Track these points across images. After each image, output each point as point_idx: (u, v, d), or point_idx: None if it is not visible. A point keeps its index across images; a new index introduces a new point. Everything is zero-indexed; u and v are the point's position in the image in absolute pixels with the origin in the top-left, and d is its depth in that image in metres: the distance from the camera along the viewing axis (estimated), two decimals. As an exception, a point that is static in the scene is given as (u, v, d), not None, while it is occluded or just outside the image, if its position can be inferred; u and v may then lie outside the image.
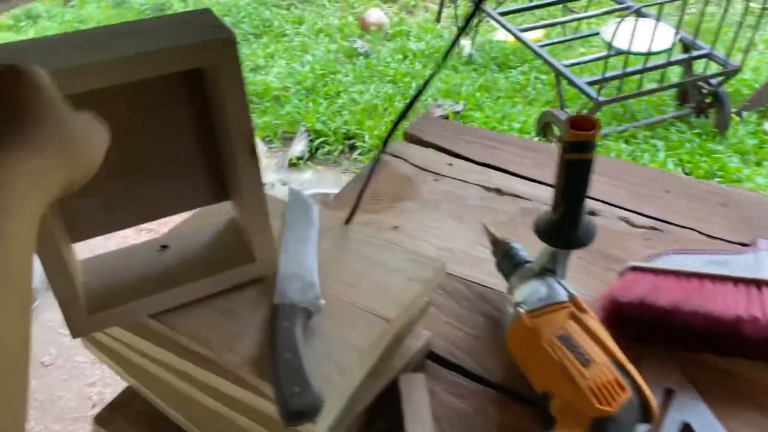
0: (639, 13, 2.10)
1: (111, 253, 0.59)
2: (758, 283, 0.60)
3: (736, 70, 2.26)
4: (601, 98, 2.10)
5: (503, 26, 2.56)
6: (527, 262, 0.64)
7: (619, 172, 0.85)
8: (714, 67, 2.31)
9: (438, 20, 3.57)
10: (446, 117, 2.57)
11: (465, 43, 3.15)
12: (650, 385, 0.53)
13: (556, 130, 2.30)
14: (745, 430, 0.55)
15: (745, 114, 2.44)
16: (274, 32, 3.59)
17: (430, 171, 0.86)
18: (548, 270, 0.62)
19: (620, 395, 0.50)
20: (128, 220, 0.57)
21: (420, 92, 0.58)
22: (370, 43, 3.34)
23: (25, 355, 0.27)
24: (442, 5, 3.53)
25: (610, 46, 2.10)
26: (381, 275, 0.58)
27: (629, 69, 2.11)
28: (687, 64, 2.34)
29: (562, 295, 0.58)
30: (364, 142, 2.56)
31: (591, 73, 2.64)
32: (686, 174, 2.19)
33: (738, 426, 0.55)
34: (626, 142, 2.35)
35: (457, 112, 2.62)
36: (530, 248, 0.65)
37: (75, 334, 0.52)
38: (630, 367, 0.53)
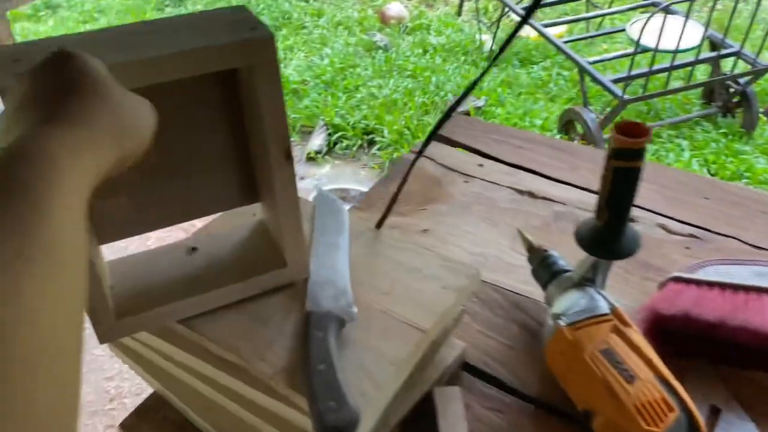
0: (667, 10, 2.06)
1: (139, 255, 0.57)
2: (809, 298, 0.58)
3: (766, 70, 2.21)
4: (626, 96, 2.06)
5: (512, 9, 2.52)
6: (566, 270, 0.62)
7: (654, 175, 0.83)
8: (742, 66, 2.26)
9: (459, 14, 3.53)
10: (467, 113, 2.54)
11: (486, 38, 3.12)
12: (695, 402, 0.51)
13: (579, 128, 2.26)
14: (795, 452, 0.53)
15: (773, 114, 2.40)
16: (293, 25, 3.57)
17: (459, 172, 0.84)
18: (588, 280, 0.59)
19: (667, 415, 0.48)
20: (157, 222, 0.55)
21: (467, 92, 0.56)
22: (389, 36, 3.31)
23: (78, 341, 0.25)
24: (463, -1, 3.49)
25: (637, 43, 2.06)
26: (415, 282, 0.56)
27: (656, 67, 2.06)
28: (715, 62, 2.29)
29: (604, 307, 0.56)
30: (383, 137, 2.54)
31: (614, 71, 2.61)
32: (711, 175, 2.15)
33: (788, 448, 0.53)
34: (649, 141, 2.31)
35: (479, 108, 2.59)
36: (564, 255, 0.63)
37: (102, 339, 0.51)
38: (676, 384, 0.51)
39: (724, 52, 2.21)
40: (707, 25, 2.14)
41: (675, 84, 2.26)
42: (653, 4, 2.46)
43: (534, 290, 0.65)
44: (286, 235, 0.54)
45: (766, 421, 0.54)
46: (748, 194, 0.81)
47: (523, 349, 0.61)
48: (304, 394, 0.46)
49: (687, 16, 2.00)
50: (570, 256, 0.63)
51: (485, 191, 0.80)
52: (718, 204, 0.78)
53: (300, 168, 2.52)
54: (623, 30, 2.48)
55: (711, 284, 0.61)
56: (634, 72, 2.07)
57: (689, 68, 2.17)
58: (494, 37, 3.05)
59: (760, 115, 2.32)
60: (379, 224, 0.64)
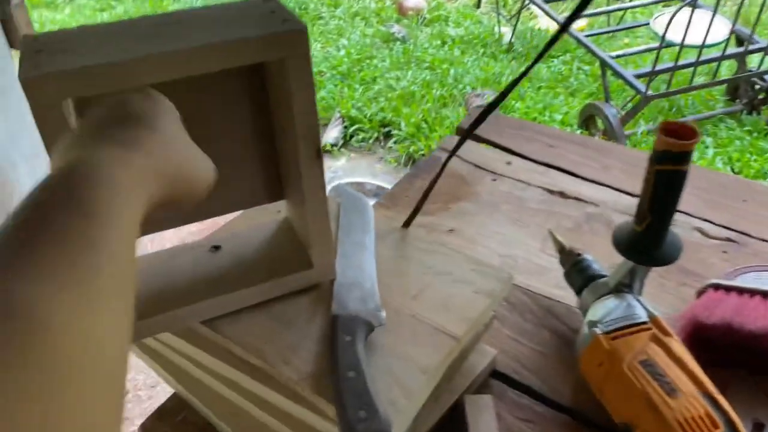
0: (693, 4, 2.01)
1: (160, 253, 0.56)
2: None
3: (794, 66, 2.16)
4: (650, 92, 2.02)
5: (547, 14, 2.48)
6: (600, 275, 0.59)
7: (690, 176, 0.79)
8: (769, 62, 2.21)
9: (478, 5, 3.49)
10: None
11: (505, 30, 3.08)
12: (739, 417, 0.48)
13: (600, 123, 2.22)
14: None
15: (799, 112, 2.34)
16: (310, 15, 3.54)
17: (487, 170, 0.81)
18: (625, 286, 0.57)
19: (712, 431, 0.46)
20: (178, 219, 0.53)
21: (506, 93, 0.53)
22: (407, 27, 3.28)
23: (124, 360, 0.26)
24: (482, -10, 3.45)
25: (662, 37, 2.01)
26: (445, 286, 0.54)
27: (681, 62, 2.02)
28: (741, 58, 2.24)
29: (642, 315, 0.54)
30: (400, 129, 2.51)
31: (635, 66, 2.56)
32: (735, 173, 2.10)
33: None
34: (672, 137, 2.27)
35: (497, 102, 2.56)
36: (596, 259, 0.61)
37: (124, 340, 0.49)
38: (721, 398, 0.48)
39: (751, 47, 2.16)
40: (735, 20, 2.09)
41: (699, 80, 2.21)
42: (678, -2, 2.41)
43: (566, 294, 0.63)
44: (313, 235, 0.52)
45: (812, 438, 0.52)
46: (787, 197, 0.78)
47: (556, 356, 0.59)
48: (332, 401, 0.44)
49: (715, 11, 1.95)
50: (603, 259, 0.61)
51: (514, 190, 0.78)
52: (756, 207, 0.75)
53: (316, 160, 2.50)
54: (646, 24, 2.44)
55: (753, 292, 0.59)
56: (658, 67, 2.03)
57: (714, 64, 2.12)
58: (514, 30, 3.01)
59: (787, 113, 2.28)
60: (407, 223, 0.61)
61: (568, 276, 0.61)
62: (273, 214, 0.62)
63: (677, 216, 0.74)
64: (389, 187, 2.06)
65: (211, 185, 0.40)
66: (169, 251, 0.56)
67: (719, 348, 0.56)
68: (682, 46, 1.98)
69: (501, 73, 2.76)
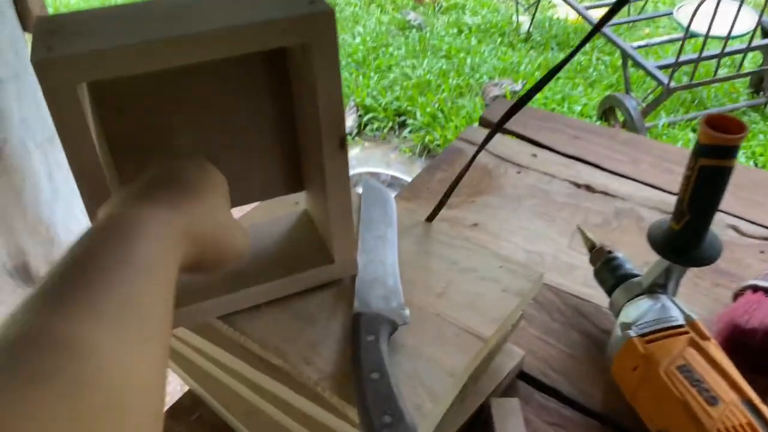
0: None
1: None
2: None
3: (821, 59, 2.10)
4: (672, 84, 1.97)
5: (569, 3, 2.43)
6: (633, 275, 0.57)
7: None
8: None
9: (495, -6, 3.43)
10: (504, 96, 2.47)
11: (523, 19, 3.03)
12: (780, 427, 0.46)
13: (619, 115, 2.18)
14: None
15: (825, 106, 2.28)
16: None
17: (511, 162, 0.79)
18: (659, 286, 0.54)
19: (755, 444, 0.43)
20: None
21: (542, 84, 0.51)
22: (423, 15, 3.23)
23: (162, 399, 0.28)
24: (500, -21, 3.39)
25: (687, 28, 1.96)
26: (472, 284, 0.51)
27: (706, 53, 1.97)
28: (766, 50, 2.19)
29: (679, 318, 0.51)
30: (415, 119, 2.48)
31: (656, 57, 2.51)
32: (758, 168, 2.06)
33: None
34: (694, 131, 2.22)
35: (516, 92, 2.52)
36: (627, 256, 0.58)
37: (138, 335, 0.47)
38: (763, 407, 0.46)
39: (778, 39, 2.11)
40: (762, 12, 2.04)
41: (722, 72, 2.16)
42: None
43: (595, 293, 0.60)
44: (335, 228, 0.49)
45: None
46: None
47: (585, 358, 0.56)
48: (355, 404, 0.42)
49: (741, 1, 1.90)
50: (633, 257, 0.58)
51: (539, 183, 0.75)
52: (794, 205, 0.72)
53: (330, 149, 2.48)
54: (669, 14, 2.39)
55: (794, 295, 0.56)
56: (682, 58, 1.98)
57: (738, 56, 2.07)
58: (532, 19, 2.96)
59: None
60: (431, 217, 0.59)
61: (599, 274, 0.59)
62: (291, 205, 0.60)
63: (711, 213, 0.72)
64: (404, 177, 2.04)
65: (242, 257, 0.41)
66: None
67: (759, 353, 0.54)
68: (707, 36, 1.93)
69: (519, 62, 2.71)
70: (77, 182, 0.39)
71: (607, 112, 2.24)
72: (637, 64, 2.09)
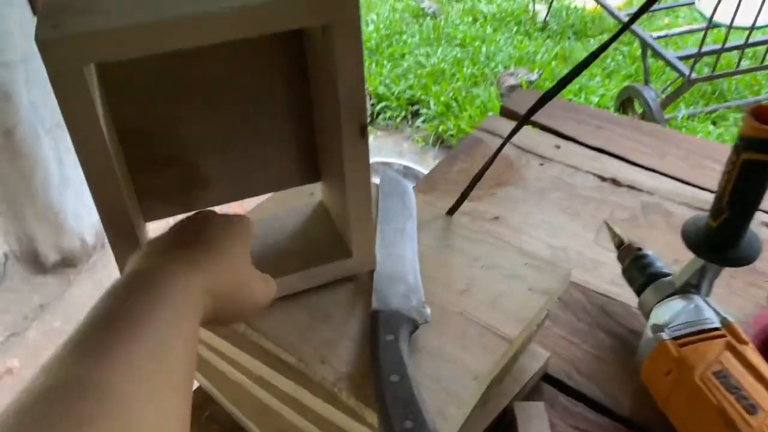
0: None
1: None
2: None
3: None
4: (694, 75, 1.93)
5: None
6: (664, 274, 0.54)
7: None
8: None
9: (511, -18, 3.38)
10: (519, 86, 2.43)
11: (540, 8, 2.98)
12: (822, 439, 0.43)
13: (638, 107, 2.14)
14: None
15: None
16: (339, -11, 3.47)
17: (534, 153, 0.76)
18: (692, 286, 0.52)
19: (797, 456, 0.41)
20: (206, 200, 0.49)
21: (570, 78, 0.48)
22: (438, 3, 3.19)
23: None
24: (516, -34, 3.34)
25: (710, 18, 1.91)
26: (496, 282, 0.49)
27: (728, 44, 1.92)
28: (791, 41, 2.13)
29: (714, 320, 0.49)
30: (428, 108, 2.45)
31: (676, 47, 2.46)
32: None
33: None
34: (714, 123, 2.18)
35: (531, 82, 2.48)
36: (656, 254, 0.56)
37: (147, 330, 0.45)
38: (805, 418, 0.43)
39: (802, 29, 2.05)
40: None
41: (744, 64, 2.11)
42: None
43: (622, 291, 0.58)
44: (354, 221, 0.47)
45: None
46: None
47: (612, 360, 0.54)
48: (373, 407, 0.40)
49: (766, -10, 1.85)
50: (662, 255, 0.56)
51: (564, 176, 0.72)
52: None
53: (342, 138, 2.45)
54: (691, 3, 2.33)
55: (834, 297, 0.53)
56: (704, 49, 1.93)
57: (761, 48, 2.02)
58: (549, 8, 2.91)
59: (836, 100, 2.17)
60: (452, 210, 0.57)
61: (627, 272, 0.56)
62: (306, 196, 0.57)
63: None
64: (417, 167, 2.01)
65: (265, 305, 0.41)
66: (197, 235, 0.52)
67: (796, 358, 0.51)
68: (730, 27, 1.88)
69: (535, 52, 2.67)
70: (84, 171, 0.37)
71: (625, 103, 2.20)
72: (657, 55, 2.04)
